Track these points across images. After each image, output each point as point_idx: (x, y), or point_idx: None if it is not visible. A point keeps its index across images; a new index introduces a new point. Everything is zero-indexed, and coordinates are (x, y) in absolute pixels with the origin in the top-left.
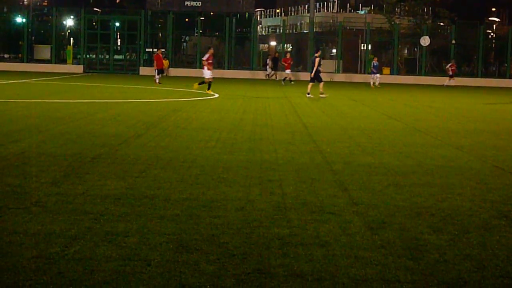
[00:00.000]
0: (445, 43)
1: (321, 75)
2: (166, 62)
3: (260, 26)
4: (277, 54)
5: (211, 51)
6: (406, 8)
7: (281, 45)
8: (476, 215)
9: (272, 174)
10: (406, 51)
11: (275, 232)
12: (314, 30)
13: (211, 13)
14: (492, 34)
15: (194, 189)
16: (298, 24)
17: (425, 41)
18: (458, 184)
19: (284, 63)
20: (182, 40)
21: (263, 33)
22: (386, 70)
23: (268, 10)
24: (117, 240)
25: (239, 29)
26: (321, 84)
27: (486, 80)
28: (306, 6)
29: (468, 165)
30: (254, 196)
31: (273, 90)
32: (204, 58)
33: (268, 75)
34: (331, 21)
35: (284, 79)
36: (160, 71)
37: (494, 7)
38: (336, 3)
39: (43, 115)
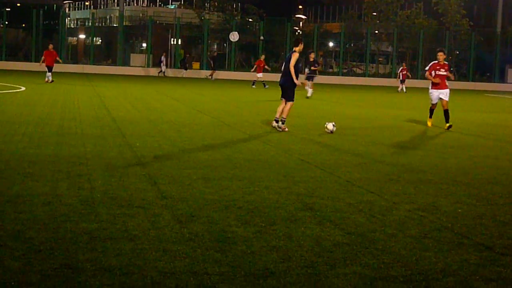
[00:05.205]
0: (254, 39)
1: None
2: None
3: (69, 18)
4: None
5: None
6: (216, 3)
7: (90, 38)
8: (282, 207)
9: (81, 168)
10: (215, 46)
11: (83, 226)
12: (124, 24)
13: (18, 4)
14: (299, 31)
15: None
16: (108, 17)
17: (234, 36)
18: (265, 177)
19: (257, 66)
20: None
21: (72, 26)
22: (196, 65)
23: (77, 3)
24: None
25: (47, 22)
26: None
27: None
28: None
29: (275, 158)
30: (62, 191)
31: (81, 84)
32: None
33: (163, 72)
34: (141, 15)
35: (253, 82)
36: (49, 69)
37: (300, 5)
38: None
39: None
